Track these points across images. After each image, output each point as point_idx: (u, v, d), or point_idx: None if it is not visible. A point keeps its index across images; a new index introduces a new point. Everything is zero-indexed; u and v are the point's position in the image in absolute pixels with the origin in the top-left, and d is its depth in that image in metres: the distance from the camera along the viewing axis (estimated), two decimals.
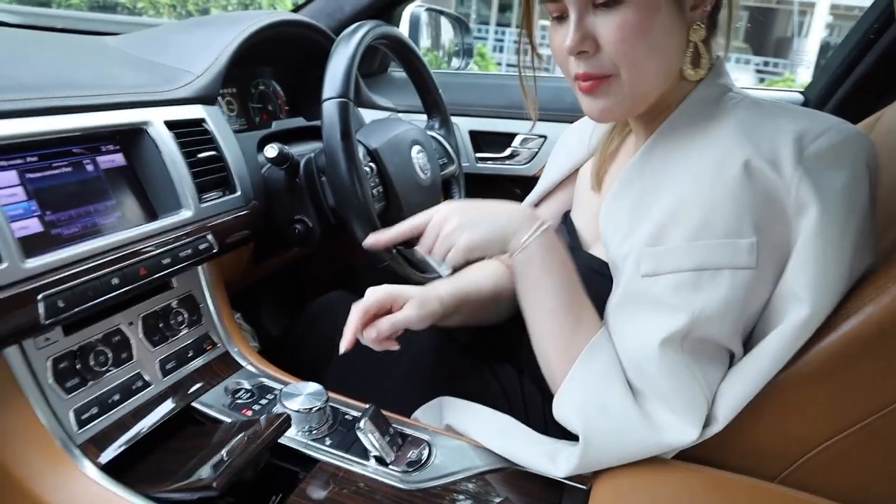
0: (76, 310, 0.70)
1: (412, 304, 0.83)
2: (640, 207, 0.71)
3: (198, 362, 0.89)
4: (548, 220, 0.76)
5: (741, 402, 0.67)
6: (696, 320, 0.65)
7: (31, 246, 0.69)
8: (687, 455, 0.70)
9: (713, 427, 0.68)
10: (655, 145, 0.73)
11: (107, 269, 0.74)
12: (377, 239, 0.84)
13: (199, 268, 0.93)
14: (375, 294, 0.82)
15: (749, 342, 0.70)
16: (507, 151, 1.70)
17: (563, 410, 0.72)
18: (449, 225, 0.76)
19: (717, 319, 0.66)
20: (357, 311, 0.80)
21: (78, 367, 0.74)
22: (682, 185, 0.68)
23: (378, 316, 0.81)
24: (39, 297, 0.66)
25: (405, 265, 1.07)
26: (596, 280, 0.78)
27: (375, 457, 0.75)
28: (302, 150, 1.09)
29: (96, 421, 0.74)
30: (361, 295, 1.17)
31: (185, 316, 0.88)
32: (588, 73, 0.69)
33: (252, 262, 1.19)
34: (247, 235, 1.00)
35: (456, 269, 1.26)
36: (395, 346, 0.81)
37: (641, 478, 0.69)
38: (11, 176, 0.72)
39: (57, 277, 0.69)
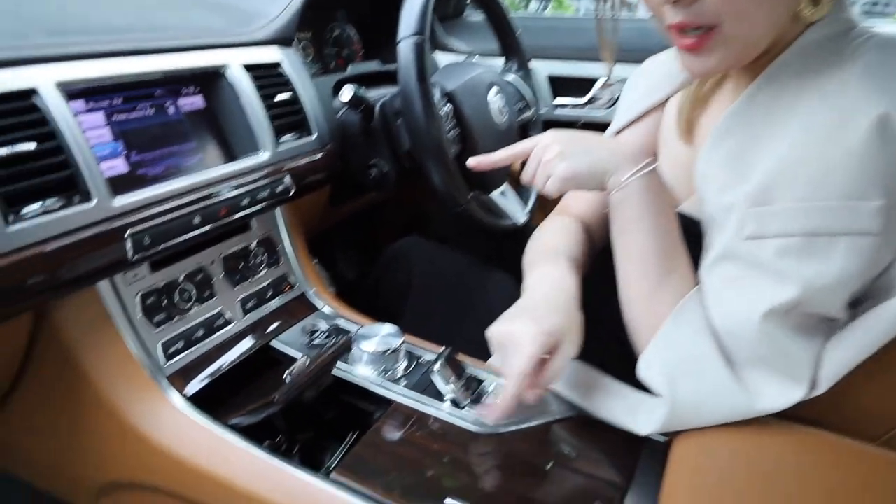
0: (161, 247, 0.72)
1: (571, 342, 0.68)
2: (741, 160, 0.64)
3: (276, 302, 0.90)
4: (656, 161, 0.72)
5: (847, 367, 0.63)
6: (806, 292, 0.60)
7: (118, 185, 0.71)
8: (778, 413, 0.67)
9: (814, 392, 0.64)
10: (760, 91, 0.65)
11: (188, 209, 0.75)
12: (478, 162, 0.81)
13: (277, 210, 0.94)
14: (534, 347, 0.64)
15: (856, 304, 0.64)
16: (587, 97, 1.63)
17: (648, 371, 0.69)
18: (549, 153, 0.73)
19: (829, 292, 0.60)
20: (518, 376, 0.64)
21: (164, 303, 0.76)
22: (792, 139, 0.61)
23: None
24: (127, 233, 0.68)
25: (481, 210, 1.05)
26: (687, 241, 0.73)
27: (450, 399, 0.75)
28: (378, 95, 1.08)
29: (182, 355, 0.76)
30: (436, 240, 1.17)
31: (264, 257, 0.90)
32: (686, 23, 0.60)
33: (328, 207, 1.20)
34: (322, 178, 1.00)
35: (533, 212, 1.24)
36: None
37: (728, 433, 0.66)
38: (99, 117, 0.74)
39: (143, 215, 0.71)
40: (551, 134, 0.75)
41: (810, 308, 0.62)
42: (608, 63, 0.80)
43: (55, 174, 0.64)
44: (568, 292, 0.73)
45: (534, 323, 0.66)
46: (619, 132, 0.92)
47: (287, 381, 0.70)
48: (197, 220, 0.76)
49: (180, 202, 0.75)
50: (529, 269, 0.80)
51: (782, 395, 0.64)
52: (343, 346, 0.74)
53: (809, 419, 0.67)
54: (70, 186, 0.65)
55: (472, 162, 0.82)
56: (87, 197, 0.66)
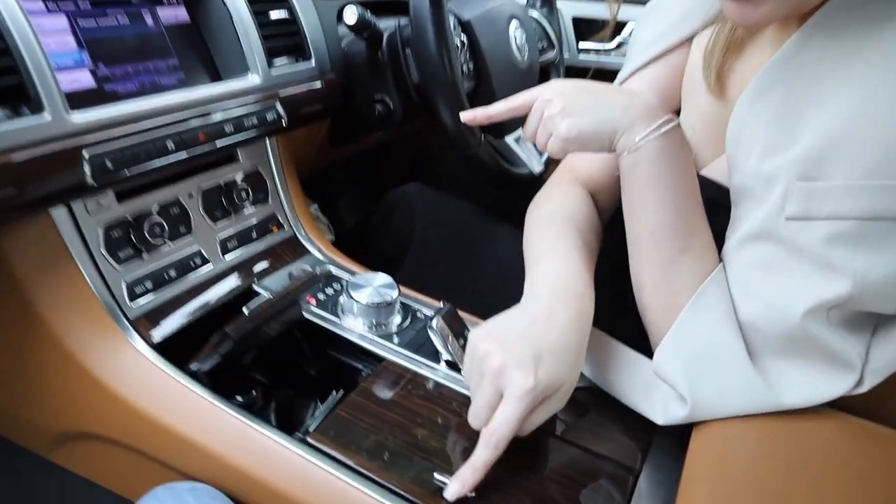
0: (127, 172, 0.63)
1: (564, 395, 0.57)
2: (787, 120, 0.53)
3: (261, 244, 0.82)
4: (677, 119, 0.61)
5: None
6: (858, 287, 0.50)
7: (80, 99, 0.61)
8: None
9: (857, 389, 0.55)
10: (810, 38, 0.53)
11: (161, 132, 0.66)
12: (474, 115, 0.71)
13: (268, 142, 0.85)
14: (522, 406, 0.53)
15: None
16: (615, 42, 1.51)
17: (665, 367, 0.60)
18: (551, 108, 0.63)
19: (887, 287, 0.50)
20: (496, 443, 0.53)
21: (132, 237, 0.68)
22: (849, 99, 0.50)
23: None
24: (85, 154, 0.59)
25: (493, 155, 0.95)
26: (708, 211, 0.63)
27: (447, 361, 0.67)
28: (387, 26, 0.97)
29: (150, 296, 0.68)
30: (440, 187, 1.07)
31: (250, 193, 0.81)
32: None
33: (328, 146, 1.11)
34: (321, 110, 0.90)
35: (549, 163, 1.15)
36: None
37: (753, 419, 0.58)
38: (61, 21, 0.65)
39: (106, 135, 0.62)
40: (555, 85, 0.66)
41: (861, 305, 0.53)
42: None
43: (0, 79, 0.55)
44: (584, 325, 0.60)
45: (533, 372, 0.52)
46: (627, 79, 0.80)
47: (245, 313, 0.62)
48: (171, 144, 0.67)
49: (152, 124, 0.66)
50: (533, 255, 0.68)
51: (819, 393, 0.56)
52: (313, 278, 0.66)
53: (848, 407, 0.59)
54: (18, 95, 0.56)
55: (468, 116, 0.71)
56: (37, 108, 0.57)
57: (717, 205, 0.63)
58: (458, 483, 0.52)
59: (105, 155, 0.61)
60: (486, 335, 0.56)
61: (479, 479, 0.53)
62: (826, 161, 0.50)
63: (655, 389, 0.62)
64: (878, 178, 0.48)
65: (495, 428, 0.52)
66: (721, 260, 0.61)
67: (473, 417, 0.55)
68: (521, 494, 0.61)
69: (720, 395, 0.57)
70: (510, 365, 0.53)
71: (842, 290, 0.51)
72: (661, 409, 0.60)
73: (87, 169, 0.59)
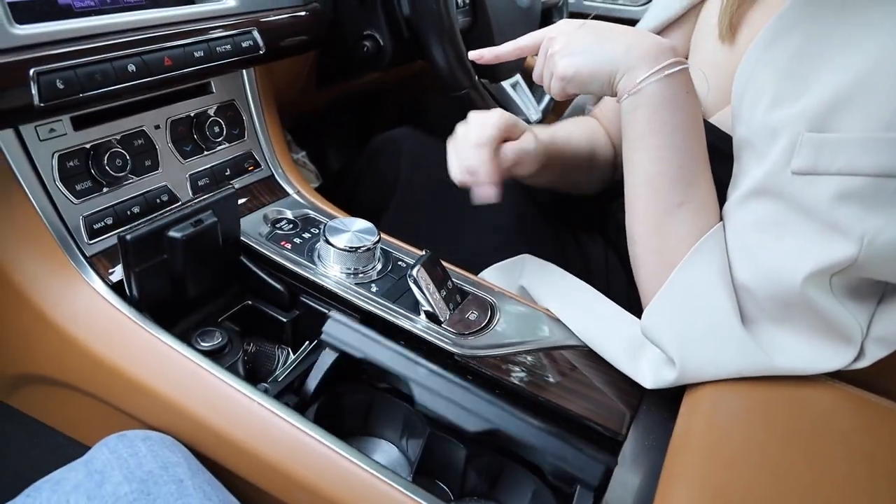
0: (81, 95, 0.57)
1: (528, 134, 0.70)
2: (798, 69, 0.49)
3: (235, 183, 0.76)
4: (685, 63, 0.57)
5: None
6: (866, 251, 0.46)
7: (27, 12, 0.56)
8: None
9: (857, 364, 0.52)
10: None
11: (121, 52, 0.60)
12: (481, 55, 0.68)
13: (245, 73, 0.79)
14: (502, 117, 0.66)
15: None
16: None
17: (653, 329, 0.57)
18: (553, 46, 0.60)
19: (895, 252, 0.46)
20: (494, 126, 0.65)
21: (91, 169, 0.63)
22: (868, 48, 0.46)
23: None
24: (32, 72, 0.54)
25: (487, 98, 0.89)
26: (712, 158, 0.59)
27: (426, 312, 0.63)
28: None
29: (111, 234, 0.63)
30: (431, 132, 1.02)
31: (224, 128, 0.75)
32: None
33: (314, 87, 1.04)
34: (304, 42, 0.84)
35: (547, 112, 1.09)
36: (496, 199, 0.65)
37: (747, 383, 0.54)
38: None
39: (57, 52, 0.56)
40: (561, 24, 0.62)
41: (867, 272, 0.49)
42: None
43: None
44: (560, 130, 0.70)
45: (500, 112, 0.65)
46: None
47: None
48: (132, 67, 0.61)
49: (111, 42, 0.60)
50: None
51: (815, 365, 0.52)
52: (231, 193, 0.63)
53: (847, 377, 0.55)
54: None
55: (475, 54, 0.68)
56: None
57: (722, 154, 0.59)
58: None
59: (55, 73, 0.55)
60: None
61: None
62: (841, 111, 0.46)
63: (644, 351, 0.58)
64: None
65: (474, 132, 0.65)
66: (721, 217, 0.57)
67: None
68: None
69: (710, 358, 0.54)
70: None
71: (847, 252, 0.47)
72: (650, 372, 0.57)
73: (33, 89, 0.54)
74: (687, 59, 0.75)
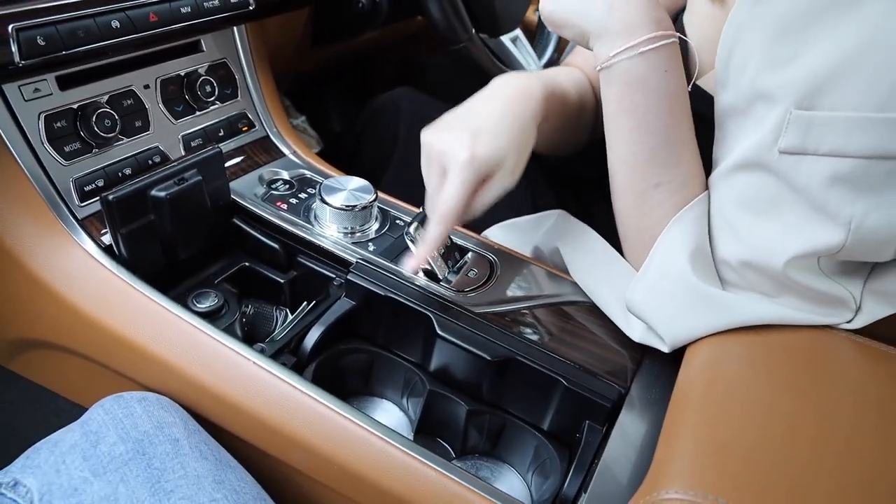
0: (63, 52, 0.56)
1: (508, 172, 0.57)
2: (788, 30, 0.45)
3: (229, 144, 0.75)
4: (670, 37, 0.53)
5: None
6: (855, 236, 0.44)
7: None
8: None
9: (854, 322, 0.51)
10: None
11: (105, 7, 0.59)
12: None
13: (236, 31, 0.77)
14: (466, 175, 0.54)
15: None
16: None
17: (637, 305, 0.55)
18: None
19: (882, 235, 0.44)
20: (444, 216, 0.55)
21: (80, 130, 0.61)
22: (865, 17, 0.42)
23: None
24: (11, 28, 0.52)
25: (482, 50, 0.87)
26: (698, 126, 0.56)
27: (425, 270, 0.62)
28: None
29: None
30: (428, 92, 0.99)
31: (216, 87, 0.73)
32: None
33: (309, 46, 1.02)
34: None
35: (548, 64, 1.06)
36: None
37: (754, 335, 0.52)
38: None
39: (37, 7, 0.54)
40: None
41: (854, 255, 0.47)
42: None
43: None
44: (524, 109, 0.58)
45: (469, 146, 0.53)
46: None
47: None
48: (116, 23, 0.59)
49: None
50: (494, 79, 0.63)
51: (811, 318, 0.51)
52: (216, 152, 0.61)
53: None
54: None
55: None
56: None
57: (704, 121, 0.56)
58: (413, 260, 0.58)
59: (36, 30, 0.54)
60: (431, 130, 0.57)
61: (429, 252, 0.56)
62: (832, 86, 0.43)
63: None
64: (891, 110, 0.41)
65: (441, 202, 0.54)
66: (702, 191, 0.55)
67: (428, 205, 0.57)
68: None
69: (692, 326, 0.52)
70: (448, 143, 0.54)
71: (835, 238, 0.45)
72: (639, 328, 0.56)
73: (13, 46, 0.52)
74: (680, 15, 0.71)
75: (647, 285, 0.54)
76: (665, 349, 0.53)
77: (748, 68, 0.48)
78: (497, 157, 0.54)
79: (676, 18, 0.69)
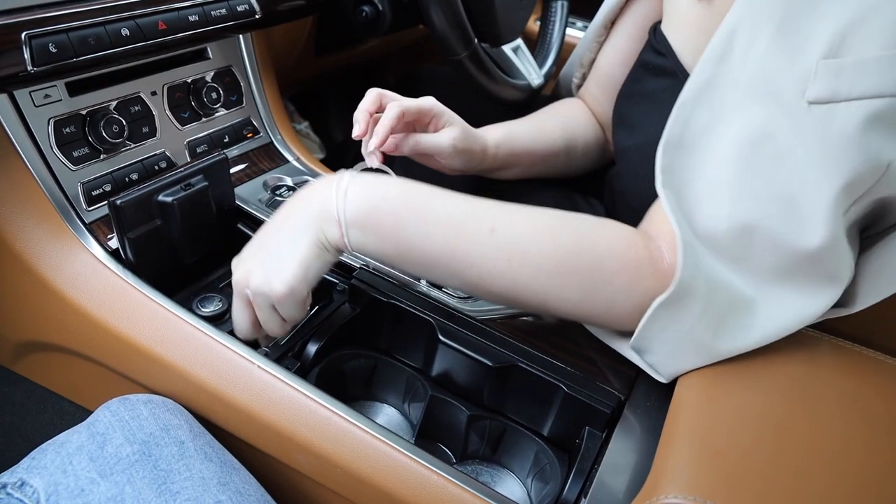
0: (74, 59, 0.57)
1: (452, 131, 0.69)
2: (791, 28, 0.45)
3: (234, 150, 0.76)
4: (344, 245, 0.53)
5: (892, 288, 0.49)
6: (887, 174, 0.44)
7: None
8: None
9: (846, 310, 0.50)
10: None
11: (116, 15, 0.60)
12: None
13: (241, 39, 0.78)
14: (424, 101, 0.68)
15: None
16: None
17: (628, 352, 0.54)
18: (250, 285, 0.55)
19: None
20: (395, 108, 0.64)
21: (88, 136, 0.62)
22: None
23: (409, 125, 0.68)
24: (24, 35, 0.53)
25: (485, 61, 0.88)
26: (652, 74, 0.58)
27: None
28: None
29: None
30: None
31: (222, 94, 0.74)
32: None
33: (312, 54, 1.03)
34: (301, 6, 0.83)
35: (549, 76, 1.07)
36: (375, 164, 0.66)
37: None
38: None
39: (49, 15, 0.55)
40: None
41: (886, 192, 0.46)
42: None
43: None
44: (528, 125, 0.73)
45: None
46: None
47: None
48: (126, 31, 0.60)
49: (104, 5, 0.59)
50: None
51: (804, 313, 0.49)
52: (222, 158, 0.63)
53: (844, 335, 0.54)
54: None
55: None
56: None
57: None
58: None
59: (48, 37, 0.54)
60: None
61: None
62: (855, 31, 0.42)
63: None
64: None
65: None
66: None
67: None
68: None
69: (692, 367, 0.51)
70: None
71: (871, 179, 0.44)
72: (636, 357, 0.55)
73: (26, 53, 0.53)
74: (658, 25, 0.70)
75: (652, 344, 0.52)
76: (662, 380, 0.53)
77: (757, 44, 0.46)
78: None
79: (655, 29, 0.70)
